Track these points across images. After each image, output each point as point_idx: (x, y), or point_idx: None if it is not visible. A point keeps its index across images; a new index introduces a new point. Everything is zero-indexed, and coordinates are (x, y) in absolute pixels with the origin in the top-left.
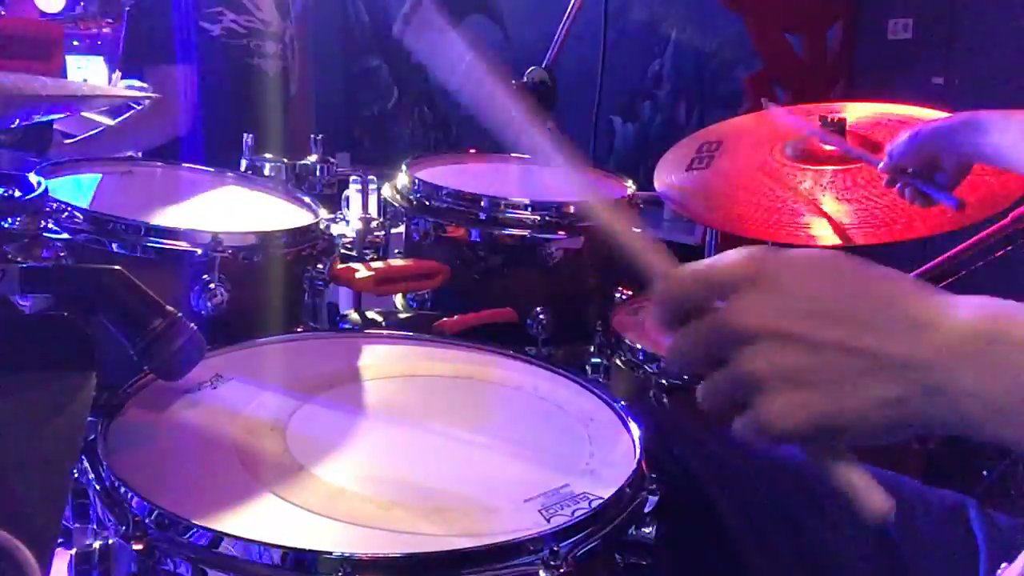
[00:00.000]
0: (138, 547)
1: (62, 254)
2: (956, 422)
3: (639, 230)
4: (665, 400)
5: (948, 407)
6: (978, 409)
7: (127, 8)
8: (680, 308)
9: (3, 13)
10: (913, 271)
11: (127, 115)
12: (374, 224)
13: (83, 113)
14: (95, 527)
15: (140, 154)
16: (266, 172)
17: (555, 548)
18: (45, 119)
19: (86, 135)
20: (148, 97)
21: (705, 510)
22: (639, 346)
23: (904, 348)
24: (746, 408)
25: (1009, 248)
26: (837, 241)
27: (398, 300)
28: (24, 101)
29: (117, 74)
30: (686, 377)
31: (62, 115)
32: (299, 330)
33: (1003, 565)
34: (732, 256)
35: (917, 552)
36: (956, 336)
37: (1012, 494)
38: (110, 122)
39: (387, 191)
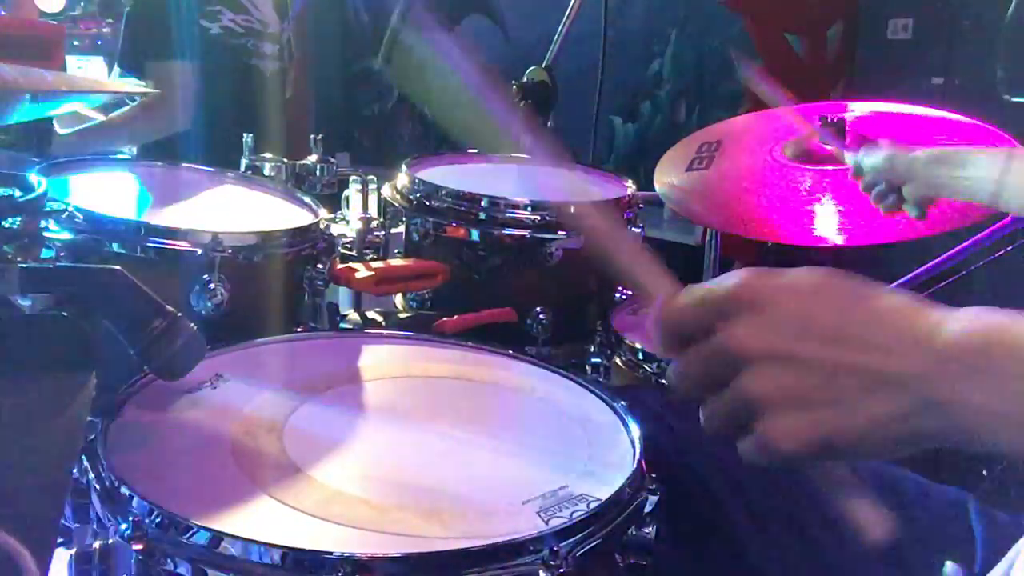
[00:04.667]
0: (138, 547)
1: (62, 254)
2: (957, 435)
3: (636, 245)
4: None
5: (948, 420)
6: (977, 420)
7: (127, 5)
8: (680, 333)
9: (3, 13)
10: (913, 271)
11: (124, 109)
12: (374, 224)
13: (77, 110)
14: (95, 527)
15: (135, 151)
16: (266, 172)
17: (555, 548)
18: (45, 115)
19: (83, 127)
20: (146, 92)
21: (704, 509)
22: (639, 346)
23: (902, 364)
24: (749, 431)
25: (1009, 248)
26: (837, 241)
27: (398, 300)
28: (25, 94)
29: (116, 71)
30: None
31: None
32: (299, 330)
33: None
34: (729, 280)
35: (916, 546)
36: (951, 348)
37: (1012, 492)
38: (104, 118)
39: (387, 191)
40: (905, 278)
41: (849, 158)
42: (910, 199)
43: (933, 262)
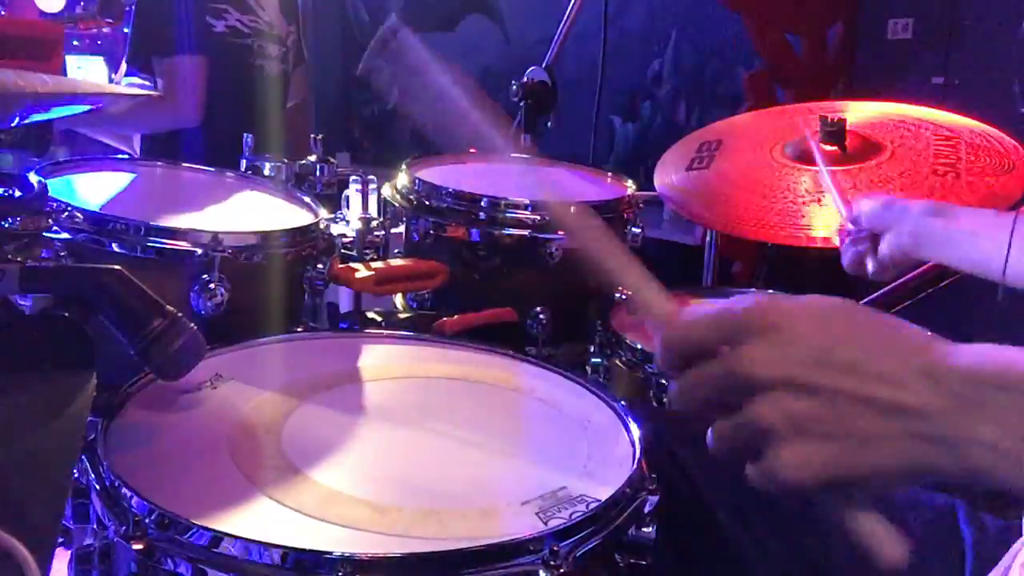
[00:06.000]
0: (138, 547)
1: (62, 254)
2: (967, 471)
3: (626, 253)
4: (665, 400)
5: (959, 456)
6: (988, 457)
7: (132, 3)
8: (688, 352)
9: (3, 13)
10: (913, 271)
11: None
12: (374, 224)
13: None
14: (95, 527)
15: (138, 152)
16: (266, 172)
17: (555, 548)
18: (46, 118)
19: (90, 108)
20: (149, 95)
21: (704, 510)
22: (639, 346)
23: (915, 398)
24: (758, 456)
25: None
26: (837, 241)
27: (398, 300)
28: (24, 98)
29: (122, 69)
30: None
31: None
32: (299, 330)
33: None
34: (742, 303)
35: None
36: (963, 385)
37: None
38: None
39: (387, 191)
40: (904, 278)
41: (848, 226)
42: (887, 249)
43: (932, 263)
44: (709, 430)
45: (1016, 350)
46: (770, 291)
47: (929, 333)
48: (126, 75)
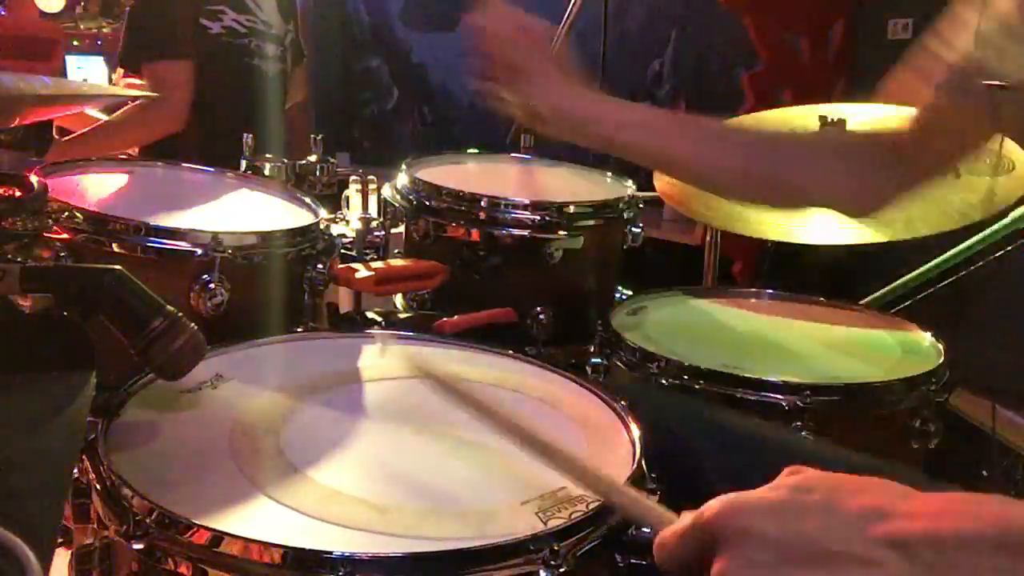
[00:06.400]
0: (138, 546)
1: (62, 254)
2: None
3: (622, 490)
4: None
5: None
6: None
7: (128, 5)
8: (682, 568)
9: (3, 13)
10: (913, 271)
11: (125, 108)
12: (374, 224)
13: (83, 110)
14: (95, 526)
15: (138, 151)
16: (266, 172)
17: (555, 548)
18: (45, 119)
19: (85, 130)
20: (148, 96)
21: (706, 497)
22: (639, 346)
23: (885, 572)
24: None
25: (1009, 248)
26: (836, 241)
27: (398, 300)
28: (24, 101)
29: (119, 72)
30: (685, 377)
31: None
32: (299, 330)
33: None
34: (710, 511)
35: None
36: (930, 551)
37: (1012, 494)
38: (107, 118)
39: (387, 191)
40: (903, 279)
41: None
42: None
43: (932, 262)
44: None
45: (978, 500)
46: (770, 291)
47: (898, 487)
48: (124, 77)
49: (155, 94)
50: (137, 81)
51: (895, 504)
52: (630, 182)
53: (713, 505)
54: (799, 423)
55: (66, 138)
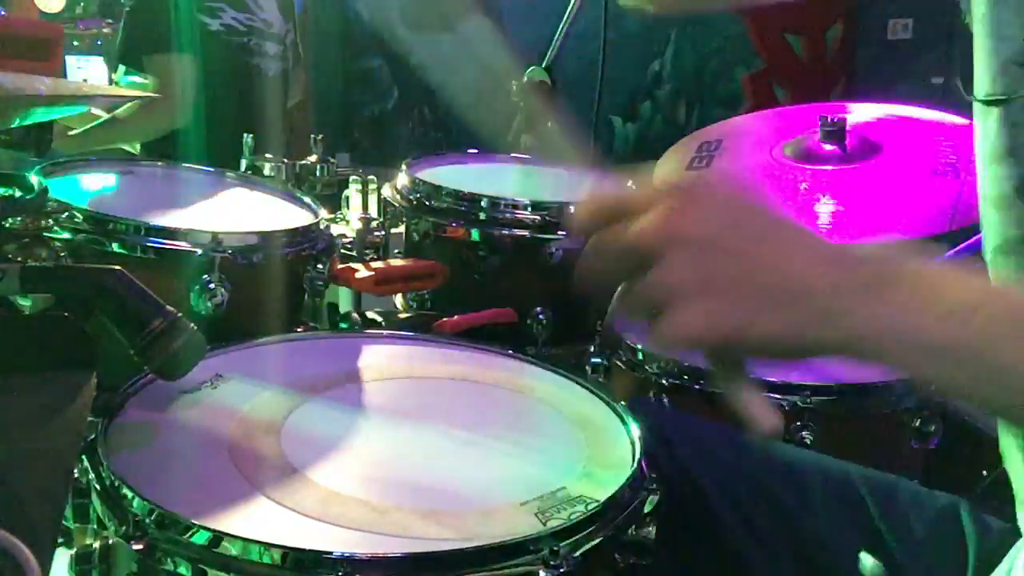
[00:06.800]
0: (138, 547)
1: (62, 254)
2: (848, 350)
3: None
4: (665, 400)
5: (846, 334)
6: (872, 337)
7: (127, 5)
8: (607, 214)
9: (3, 13)
10: None
11: (127, 106)
12: (374, 224)
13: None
14: (95, 527)
15: (139, 151)
16: (266, 172)
17: (555, 548)
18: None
19: (88, 127)
20: (149, 97)
21: (704, 509)
22: (639, 346)
23: (821, 279)
24: (661, 315)
25: None
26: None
27: (398, 300)
28: (24, 102)
29: (120, 70)
30: (685, 377)
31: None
32: (299, 330)
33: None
34: (651, 225)
35: (908, 552)
36: (868, 272)
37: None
38: (108, 115)
39: (387, 191)
40: None
41: None
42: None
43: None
44: (617, 292)
45: (904, 249)
46: None
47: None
48: (124, 75)
49: (156, 94)
50: (137, 80)
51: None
52: (630, 182)
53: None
54: (799, 423)
55: (70, 133)
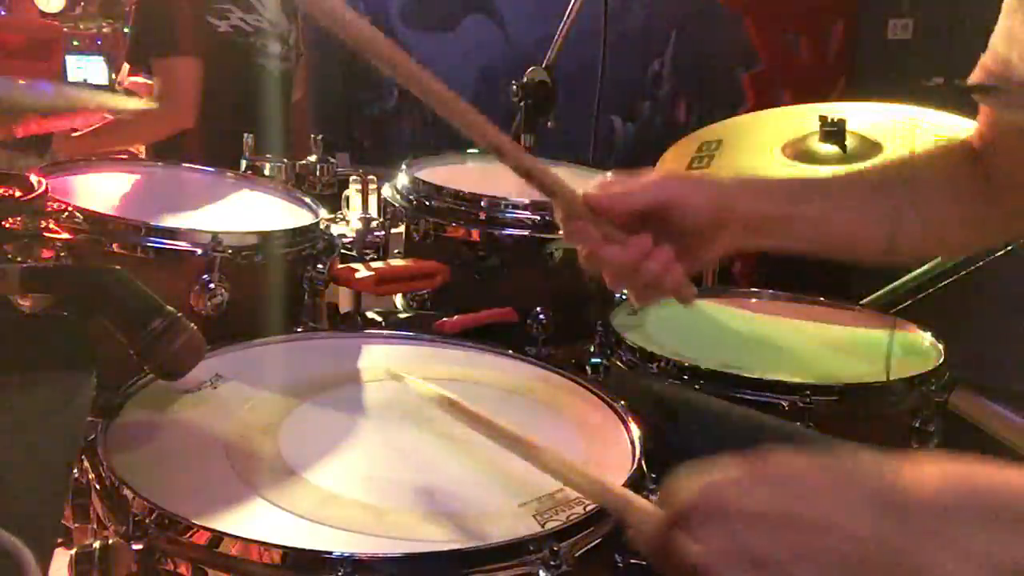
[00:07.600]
0: (138, 547)
1: (62, 254)
2: None
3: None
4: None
5: None
6: None
7: (134, 2)
8: (656, 549)
9: (3, 13)
10: (913, 271)
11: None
12: (374, 224)
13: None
14: (95, 527)
15: (143, 152)
16: (266, 172)
17: (555, 548)
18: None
19: (94, 127)
20: (150, 106)
21: None
22: (639, 346)
23: (867, 529)
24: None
25: (1009, 247)
26: None
27: (398, 300)
28: (25, 110)
29: (124, 69)
30: (685, 377)
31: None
32: (299, 330)
33: None
34: (681, 491)
35: None
36: (918, 513)
37: None
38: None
39: (387, 191)
40: (902, 279)
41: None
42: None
43: (932, 262)
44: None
45: (974, 468)
46: (770, 291)
47: (881, 459)
48: (129, 75)
49: (155, 104)
50: (142, 80)
51: (886, 471)
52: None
53: (684, 483)
54: (799, 423)
55: (76, 134)
